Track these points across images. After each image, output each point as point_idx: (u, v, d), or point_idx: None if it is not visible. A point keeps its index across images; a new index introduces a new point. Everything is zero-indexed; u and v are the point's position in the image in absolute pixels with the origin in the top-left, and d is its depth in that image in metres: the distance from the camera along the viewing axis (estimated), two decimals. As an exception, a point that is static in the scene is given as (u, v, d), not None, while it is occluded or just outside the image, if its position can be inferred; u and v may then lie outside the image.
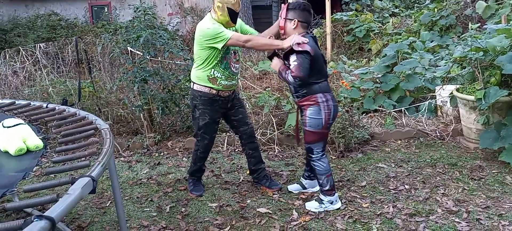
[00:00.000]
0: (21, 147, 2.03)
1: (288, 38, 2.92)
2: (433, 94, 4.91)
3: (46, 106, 3.00)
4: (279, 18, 3.05)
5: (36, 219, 1.21)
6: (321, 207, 3.04)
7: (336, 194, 3.10)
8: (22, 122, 2.27)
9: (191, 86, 3.25)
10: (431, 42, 6.44)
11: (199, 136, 3.29)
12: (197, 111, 3.23)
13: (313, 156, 3.03)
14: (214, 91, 3.15)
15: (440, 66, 5.31)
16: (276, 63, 3.02)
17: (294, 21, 2.93)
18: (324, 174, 3.02)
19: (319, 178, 3.06)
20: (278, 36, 3.13)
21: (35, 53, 6.12)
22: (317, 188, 3.21)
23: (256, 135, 3.58)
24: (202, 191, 3.40)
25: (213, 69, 3.10)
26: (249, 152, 3.42)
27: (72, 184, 1.48)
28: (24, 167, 1.83)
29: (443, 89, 4.69)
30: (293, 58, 2.86)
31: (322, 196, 3.06)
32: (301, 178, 3.43)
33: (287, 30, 2.98)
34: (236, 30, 3.17)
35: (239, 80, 3.46)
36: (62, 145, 2.16)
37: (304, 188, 3.36)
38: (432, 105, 4.85)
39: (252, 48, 3.17)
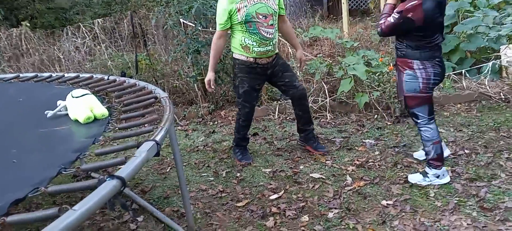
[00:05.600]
0: (89, 115, 2.18)
1: None
2: (498, 54, 4.60)
3: (108, 78, 3.17)
4: None
5: (109, 179, 1.31)
6: (425, 180, 2.81)
7: (444, 168, 2.82)
8: (89, 92, 2.42)
9: (233, 55, 3.25)
10: (496, -2, 5.97)
11: (239, 104, 3.32)
12: (237, 80, 3.24)
13: (418, 121, 2.79)
14: (251, 59, 3.13)
15: (506, 24, 4.94)
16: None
17: None
18: (430, 141, 2.77)
19: (424, 145, 2.80)
20: None
21: (94, 29, 6.42)
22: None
23: (307, 97, 3.50)
24: (250, 159, 3.45)
25: (242, 37, 3.07)
26: (299, 113, 3.41)
27: (138, 148, 1.58)
28: (92, 134, 1.97)
29: (509, 48, 4.38)
30: (395, 16, 2.65)
31: (427, 169, 2.83)
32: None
33: None
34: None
35: (278, 46, 3.36)
36: (125, 113, 2.30)
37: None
38: (496, 66, 4.56)
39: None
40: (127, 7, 10.96)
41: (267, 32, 3.08)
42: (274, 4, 3.11)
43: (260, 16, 3.05)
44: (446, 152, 3.06)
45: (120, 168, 1.42)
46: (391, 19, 2.68)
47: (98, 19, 6.54)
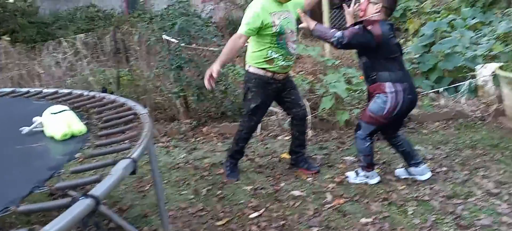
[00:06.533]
0: (66, 132, 2.15)
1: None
2: (474, 73, 4.73)
3: (87, 94, 3.13)
4: None
5: (82, 197, 1.29)
6: (356, 179, 3.16)
7: (374, 171, 3.13)
8: (67, 108, 2.39)
9: (246, 69, 3.21)
10: (473, 19, 6.16)
11: (246, 117, 3.29)
12: (250, 94, 3.19)
13: (359, 131, 2.99)
14: (269, 74, 3.10)
15: (481, 44, 5.10)
16: (348, 15, 2.98)
17: (378, 5, 2.75)
18: (361, 153, 3.05)
19: (357, 154, 3.13)
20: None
21: (76, 44, 6.37)
22: (423, 176, 3.09)
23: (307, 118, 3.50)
24: (238, 176, 3.44)
25: (269, 50, 3.04)
26: (296, 134, 3.41)
27: (114, 165, 1.56)
28: (69, 151, 1.94)
29: (485, 68, 4.50)
30: (356, 27, 2.77)
31: (359, 170, 3.16)
32: (407, 167, 3.20)
33: (367, 13, 2.80)
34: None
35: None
36: (103, 130, 2.27)
37: (410, 174, 3.17)
38: (473, 85, 4.68)
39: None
40: (111, 22, 10.95)
41: (293, 47, 3.12)
42: (295, 22, 3.16)
43: (289, 31, 3.07)
44: (427, 175, 3.12)
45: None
46: (352, 29, 2.79)
47: (80, 34, 6.50)
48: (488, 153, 3.50)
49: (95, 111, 2.67)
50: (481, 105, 4.46)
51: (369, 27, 2.71)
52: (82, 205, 1.25)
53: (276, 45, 3.03)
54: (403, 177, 3.18)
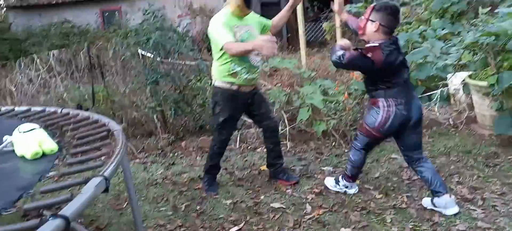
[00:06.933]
0: (37, 151, 2.09)
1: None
2: (445, 82, 4.85)
3: (61, 112, 3.06)
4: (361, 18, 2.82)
5: (51, 218, 1.25)
6: (336, 187, 3.18)
7: (355, 184, 3.17)
8: (38, 126, 2.33)
9: (213, 83, 3.23)
10: (443, 30, 6.36)
11: (217, 131, 3.30)
12: (217, 108, 3.20)
13: (355, 142, 3.03)
14: (235, 87, 3.11)
15: (451, 53, 5.25)
16: (345, 41, 2.94)
17: (376, 24, 2.67)
18: (352, 164, 3.06)
19: (348, 162, 3.11)
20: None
21: (49, 60, 6.25)
22: (446, 211, 2.78)
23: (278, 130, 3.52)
24: (217, 190, 3.41)
25: (232, 63, 3.06)
26: (270, 146, 3.42)
27: (85, 184, 1.52)
28: (40, 170, 1.88)
29: (455, 77, 4.63)
30: (356, 53, 2.74)
31: (340, 178, 3.16)
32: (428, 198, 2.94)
33: (367, 32, 2.74)
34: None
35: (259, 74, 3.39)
36: (76, 147, 2.22)
37: (435, 206, 2.85)
38: (445, 93, 4.80)
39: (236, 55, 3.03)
40: (85, 38, 10.80)
41: (256, 60, 3.13)
42: (257, 35, 3.11)
43: None
44: (452, 210, 2.79)
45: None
46: (353, 53, 2.78)
47: (54, 51, 6.38)
48: (462, 160, 3.58)
49: (68, 128, 2.61)
50: (453, 113, 4.57)
51: (369, 55, 2.66)
52: (51, 226, 1.22)
53: (238, 59, 3.04)
54: (428, 207, 2.88)
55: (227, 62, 3.07)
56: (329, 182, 3.25)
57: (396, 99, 2.73)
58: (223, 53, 3.04)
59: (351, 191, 3.15)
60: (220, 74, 3.14)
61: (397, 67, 2.71)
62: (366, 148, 3.00)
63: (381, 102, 2.77)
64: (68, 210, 1.31)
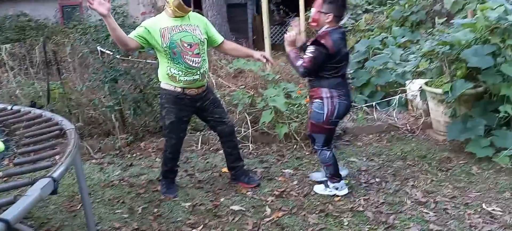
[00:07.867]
0: (-19, 150, 1.97)
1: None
2: (404, 88, 5.01)
3: (11, 109, 2.91)
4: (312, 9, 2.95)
5: (-9, 222, 1.17)
6: (326, 190, 3.19)
7: (342, 182, 3.18)
8: (-17, 124, 2.19)
9: (160, 85, 3.18)
10: (403, 37, 6.56)
11: (166, 136, 3.23)
12: (164, 110, 3.15)
13: (315, 145, 3.11)
14: (178, 90, 3.06)
15: (410, 61, 5.43)
16: (290, 46, 3.00)
17: (330, 15, 2.83)
18: (324, 163, 3.12)
19: (321, 166, 3.20)
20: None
21: (1, 54, 5.93)
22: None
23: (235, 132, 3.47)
24: (175, 192, 3.34)
25: (168, 66, 3.01)
26: (228, 150, 3.39)
27: (31, 185, 1.44)
28: (-17, 170, 1.77)
29: (413, 83, 4.79)
30: (310, 48, 2.82)
31: (328, 182, 3.18)
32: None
33: (320, 22, 2.89)
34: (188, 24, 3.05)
35: (209, 77, 3.34)
36: (25, 146, 2.11)
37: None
38: (403, 99, 4.95)
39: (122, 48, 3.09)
40: (43, 33, 10.35)
41: (193, 61, 3.01)
42: (200, 35, 3.06)
43: (186, 45, 2.98)
44: (344, 172, 3.33)
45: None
46: (308, 54, 2.83)
47: (6, 45, 6.06)
48: (417, 164, 3.70)
49: (18, 127, 2.47)
50: (410, 118, 4.73)
51: (322, 42, 2.78)
52: (-11, 231, 1.14)
53: (172, 61, 2.99)
54: (319, 180, 3.33)
55: (163, 65, 3.05)
56: (319, 188, 3.23)
57: (338, 90, 2.90)
58: (161, 56, 3.02)
59: (342, 192, 3.14)
60: (162, 77, 3.10)
61: (344, 57, 2.90)
62: (327, 144, 3.08)
63: (324, 93, 2.90)
64: (9, 213, 1.23)
